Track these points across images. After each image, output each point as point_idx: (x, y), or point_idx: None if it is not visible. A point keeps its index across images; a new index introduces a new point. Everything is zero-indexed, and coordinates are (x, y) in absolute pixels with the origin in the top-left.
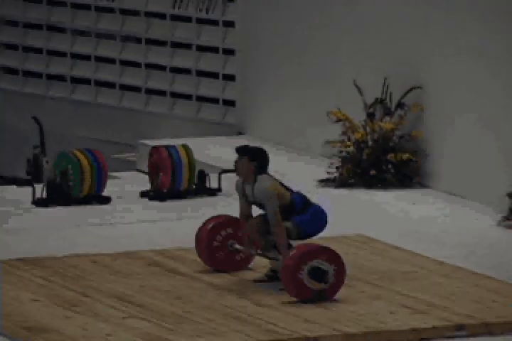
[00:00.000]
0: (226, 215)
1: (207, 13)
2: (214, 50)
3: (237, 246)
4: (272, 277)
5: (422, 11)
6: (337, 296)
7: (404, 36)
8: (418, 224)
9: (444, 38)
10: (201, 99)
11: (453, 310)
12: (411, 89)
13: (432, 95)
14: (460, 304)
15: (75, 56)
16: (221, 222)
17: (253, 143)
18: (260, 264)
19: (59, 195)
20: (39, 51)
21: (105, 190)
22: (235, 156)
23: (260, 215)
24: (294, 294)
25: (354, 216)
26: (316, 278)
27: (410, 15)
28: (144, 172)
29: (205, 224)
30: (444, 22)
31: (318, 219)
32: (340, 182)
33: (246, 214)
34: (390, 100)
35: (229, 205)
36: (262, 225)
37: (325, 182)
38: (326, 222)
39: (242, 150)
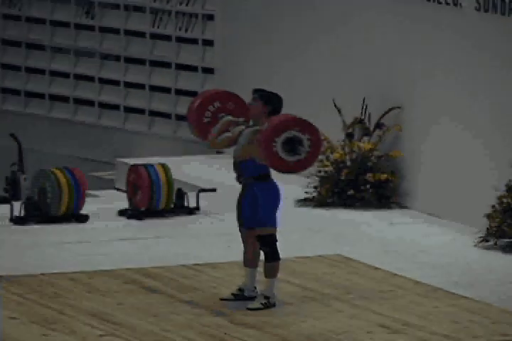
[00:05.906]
0: (214, 89)
1: (186, 31)
2: (193, 68)
3: (229, 117)
4: (239, 296)
5: (402, 33)
6: (314, 315)
7: (384, 57)
8: (396, 244)
9: (423, 58)
10: (180, 117)
11: (430, 329)
12: (390, 110)
13: (410, 115)
14: (437, 324)
15: (54, 74)
16: (208, 97)
17: (231, 164)
18: (231, 282)
19: (37, 213)
20: (17, 68)
21: (83, 208)
22: (212, 175)
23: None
24: (273, 167)
25: (332, 235)
26: (291, 150)
27: (390, 36)
28: (122, 190)
29: (192, 102)
30: (423, 43)
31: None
32: (318, 201)
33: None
34: (369, 120)
35: (207, 224)
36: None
37: (303, 202)
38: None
39: (258, 93)
